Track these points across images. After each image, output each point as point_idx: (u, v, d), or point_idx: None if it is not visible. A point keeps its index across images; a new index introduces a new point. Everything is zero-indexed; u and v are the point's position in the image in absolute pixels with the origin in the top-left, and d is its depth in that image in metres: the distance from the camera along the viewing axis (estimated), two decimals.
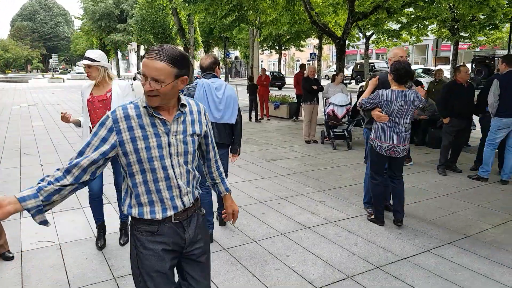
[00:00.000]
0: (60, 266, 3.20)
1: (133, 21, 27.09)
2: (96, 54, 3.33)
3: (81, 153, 1.59)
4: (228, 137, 3.66)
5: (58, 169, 1.58)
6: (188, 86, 3.44)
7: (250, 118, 12.12)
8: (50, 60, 78.32)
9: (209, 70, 3.53)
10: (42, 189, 1.53)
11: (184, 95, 3.22)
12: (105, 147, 1.59)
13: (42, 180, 1.56)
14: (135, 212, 1.69)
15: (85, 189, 3.58)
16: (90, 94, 3.34)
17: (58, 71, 67.99)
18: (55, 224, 4.03)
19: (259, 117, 12.25)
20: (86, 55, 3.33)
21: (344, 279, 2.98)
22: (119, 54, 38.92)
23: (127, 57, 60.93)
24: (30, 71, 77.91)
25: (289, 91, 15.61)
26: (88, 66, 3.27)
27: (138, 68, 36.07)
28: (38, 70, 78.72)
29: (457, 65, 6.10)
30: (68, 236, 3.77)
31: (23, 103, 18.12)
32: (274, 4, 11.18)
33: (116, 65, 39.92)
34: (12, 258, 3.32)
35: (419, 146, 7.97)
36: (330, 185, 5.37)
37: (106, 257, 3.36)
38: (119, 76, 39.25)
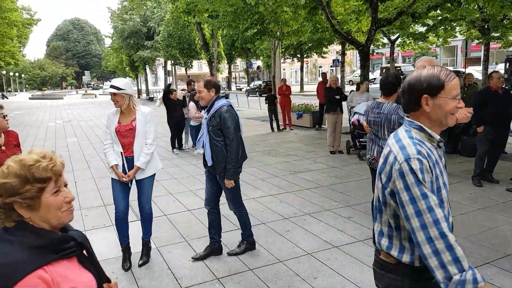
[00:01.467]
0: None
1: (160, 37, 27.87)
2: (121, 82, 3.47)
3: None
4: None
5: None
6: (223, 105, 3.56)
7: (272, 128, 12.13)
8: (83, 77, 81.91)
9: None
10: None
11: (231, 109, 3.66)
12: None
13: None
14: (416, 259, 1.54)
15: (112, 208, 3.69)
16: (118, 123, 3.51)
17: (90, 87, 70.87)
18: None
19: (281, 127, 12.25)
20: (111, 83, 3.48)
21: None
22: (147, 69, 40.00)
23: (155, 72, 62.58)
24: (64, 88, 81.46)
25: (312, 99, 15.49)
26: (114, 94, 3.41)
27: (165, 82, 36.94)
28: (72, 87, 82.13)
29: (489, 72, 5.82)
30: (100, 255, 3.83)
31: (58, 120, 18.92)
32: (296, 16, 11.19)
33: (145, 80, 41.10)
34: None
35: (451, 154, 7.67)
36: (358, 199, 5.25)
37: (136, 276, 3.43)
38: (147, 89, 40.41)
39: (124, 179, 3.50)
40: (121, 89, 3.40)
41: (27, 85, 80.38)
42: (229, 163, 3.47)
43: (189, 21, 22.36)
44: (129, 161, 3.53)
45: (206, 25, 18.64)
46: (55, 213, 1.20)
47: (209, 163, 3.58)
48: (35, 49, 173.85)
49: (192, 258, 3.72)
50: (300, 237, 4.11)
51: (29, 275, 1.08)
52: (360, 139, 7.88)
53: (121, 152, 3.51)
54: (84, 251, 1.29)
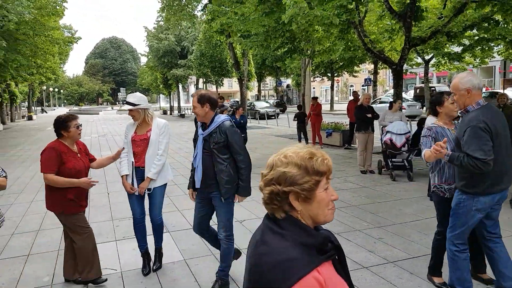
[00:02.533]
0: None
1: (193, 56, 28.78)
2: (135, 98, 3.65)
3: None
4: None
5: None
6: (225, 120, 3.28)
7: None
8: (118, 94, 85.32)
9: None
10: None
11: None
12: None
13: None
14: None
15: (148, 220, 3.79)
16: (134, 133, 3.68)
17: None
18: (118, 253, 4.25)
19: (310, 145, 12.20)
20: (127, 99, 3.68)
21: None
22: (180, 87, 41.20)
23: (187, 90, 64.24)
24: (100, 104, 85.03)
25: (342, 118, 15.37)
26: (130, 110, 3.59)
27: None
28: (108, 103, 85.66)
29: None
30: (130, 265, 3.94)
31: (93, 134, 19.70)
32: (327, 34, 11.25)
33: (177, 97, 42.30)
34: (105, 280, 3.54)
35: None
36: (390, 220, 5.11)
37: (164, 287, 3.46)
38: (179, 106, 41.47)
39: (131, 191, 3.61)
40: (136, 104, 3.57)
41: (65, 101, 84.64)
42: (243, 180, 3.22)
43: (221, 40, 23.03)
44: (139, 172, 3.62)
45: (237, 45, 19.08)
46: (323, 210, 1.18)
47: (197, 185, 3.28)
48: (74, 66, 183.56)
49: None
50: None
51: (307, 276, 1.04)
52: (393, 159, 7.70)
53: (132, 162, 3.63)
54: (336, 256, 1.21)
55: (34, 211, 6.00)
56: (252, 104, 30.15)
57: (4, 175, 2.83)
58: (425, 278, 3.47)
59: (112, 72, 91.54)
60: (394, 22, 10.88)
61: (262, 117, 25.50)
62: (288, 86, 54.32)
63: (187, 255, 4.15)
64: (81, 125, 3.50)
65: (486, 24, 10.62)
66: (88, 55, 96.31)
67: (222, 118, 3.25)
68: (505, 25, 10.97)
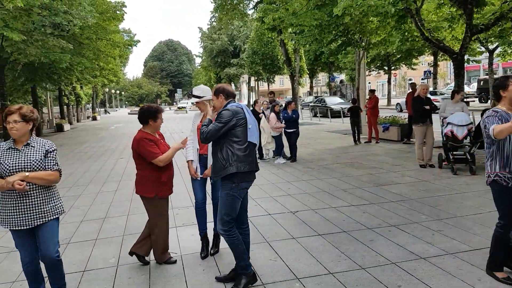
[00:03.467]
0: (181, 276, 3.57)
1: (245, 55, 29.23)
2: (199, 91, 3.90)
3: None
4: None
5: None
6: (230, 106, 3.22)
7: (355, 141, 11.87)
8: (175, 94, 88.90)
9: (233, 98, 3.33)
10: None
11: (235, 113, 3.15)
12: None
13: None
14: None
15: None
16: (200, 122, 3.91)
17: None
18: (178, 238, 4.51)
19: (365, 140, 11.92)
20: (192, 92, 3.93)
21: None
22: (233, 85, 42.06)
23: (239, 89, 65.36)
24: (159, 105, 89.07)
25: (399, 113, 14.76)
26: (197, 102, 3.83)
27: (248, 98, 38.30)
28: (166, 103, 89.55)
29: None
30: (189, 249, 4.17)
31: None
32: (383, 25, 10.89)
33: None
34: (175, 261, 3.88)
35: None
36: (450, 213, 4.89)
37: (220, 270, 3.63)
38: None
39: (194, 176, 3.87)
40: (200, 97, 3.81)
41: (126, 102, 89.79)
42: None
43: (273, 37, 23.12)
44: (203, 158, 3.88)
45: (289, 41, 19.05)
46: None
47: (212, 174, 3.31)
48: (134, 68, 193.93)
49: (215, 278, 3.45)
50: (384, 247, 3.96)
51: None
52: (454, 152, 7.31)
53: (197, 149, 3.88)
54: None
55: (101, 201, 6.51)
56: (322, 100, 26.33)
57: (56, 168, 2.90)
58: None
59: (169, 74, 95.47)
60: (454, 9, 10.27)
61: (335, 115, 21.76)
62: (341, 81, 53.14)
63: None
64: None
65: None
66: (146, 58, 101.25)
67: (229, 105, 3.21)
68: None
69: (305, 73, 30.32)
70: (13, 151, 2.81)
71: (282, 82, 69.00)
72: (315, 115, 24.99)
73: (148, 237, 3.82)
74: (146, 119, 3.66)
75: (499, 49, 19.27)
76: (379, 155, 9.72)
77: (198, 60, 50.94)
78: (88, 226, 5.17)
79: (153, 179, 3.65)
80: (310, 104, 28.82)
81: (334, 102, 25.43)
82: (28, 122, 2.81)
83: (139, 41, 24.78)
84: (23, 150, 2.82)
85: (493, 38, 16.65)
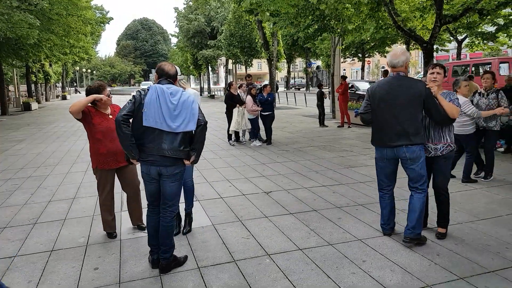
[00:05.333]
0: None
1: (222, 37, 28.74)
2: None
3: None
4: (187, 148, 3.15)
5: None
6: (139, 90, 3.16)
7: (320, 123, 12.43)
8: (150, 75, 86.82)
9: (171, 79, 3.18)
10: None
11: (133, 97, 3.06)
12: None
13: None
14: None
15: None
16: None
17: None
18: None
19: (338, 125, 12.23)
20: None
21: (423, 287, 2.88)
22: (210, 68, 41.46)
23: (217, 71, 64.55)
24: (133, 85, 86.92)
25: None
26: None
27: (226, 81, 37.97)
28: (140, 84, 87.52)
29: None
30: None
31: None
32: (358, 12, 11.01)
33: (207, 78, 42.58)
34: (144, 229, 4.05)
35: (506, 154, 7.22)
36: None
37: (193, 248, 3.69)
38: (209, 87, 41.84)
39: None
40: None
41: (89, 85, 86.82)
42: None
43: (251, 20, 22.87)
44: None
45: (266, 24, 18.91)
46: None
47: None
48: (106, 47, 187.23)
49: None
50: (351, 224, 4.15)
51: None
52: None
53: None
54: None
55: (70, 181, 6.38)
56: (352, 86, 20.61)
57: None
58: (446, 245, 3.54)
59: (144, 53, 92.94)
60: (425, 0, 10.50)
61: None
62: (318, 67, 53.49)
63: (215, 221, 4.37)
64: (110, 94, 3.90)
65: None
66: (119, 37, 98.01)
67: (156, 84, 3.13)
68: None
69: (283, 58, 30.27)
70: None
71: (260, 66, 68.69)
72: None
73: (130, 206, 4.16)
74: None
75: (467, 40, 19.90)
76: (351, 138, 9.99)
77: (174, 40, 49.80)
78: (57, 206, 5.09)
79: (93, 151, 3.85)
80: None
81: (366, 87, 21.97)
82: None
83: (112, 19, 24.04)
84: None
85: (462, 29, 17.16)
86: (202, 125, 3.11)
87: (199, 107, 3.18)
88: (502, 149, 7.78)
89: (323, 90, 12.62)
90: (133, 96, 3.10)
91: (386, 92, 3.52)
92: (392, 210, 3.83)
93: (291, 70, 47.74)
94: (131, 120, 3.07)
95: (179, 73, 3.83)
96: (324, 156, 7.84)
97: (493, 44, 18.74)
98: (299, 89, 47.16)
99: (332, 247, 3.61)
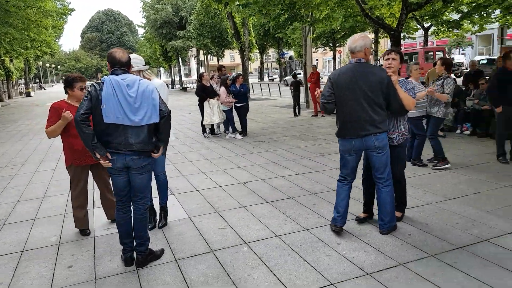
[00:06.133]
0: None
1: (192, 27, 28.22)
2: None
3: None
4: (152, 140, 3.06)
5: None
6: (93, 84, 2.98)
7: (294, 113, 12.59)
8: None
9: (125, 67, 3.03)
10: None
11: (88, 93, 2.90)
12: None
13: None
14: None
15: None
16: None
17: None
18: None
19: (312, 114, 12.37)
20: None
21: (396, 266, 2.99)
22: (180, 60, 40.70)
23: (188, 64, 63.52)
24: (100, 79, 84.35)
25: None
26: None
27: (197, 73, 37.44)
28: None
29: (504, 52, 5.78)
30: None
31: None
32: (326, 0, 11.11)
33: (178, 70, 41.81)
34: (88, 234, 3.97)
35: (483, 138, 7.56)
36: None
37: (169, 241, 3.66)
38: (181, 80, 41.14)
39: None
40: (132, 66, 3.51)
41: (63, 77, 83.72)
42: None
43: (220, 9, 22.60)
44: None
45: (237, 14, 18.74)
46: None
47: None
48: (70, 40, 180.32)
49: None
50: (326, 209, 4.23)
51: None
52: None
53: None
54: None
55: (38, 180, 6.17)
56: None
57: None
58: (416, 225, 3.68)
59: (110, 46, 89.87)
60: None
61: None
62: (290, 57, 53.67)
63: (191, 214, 4.35)
64: (86, 87, 3.70)
65: None
66: (84, 29, 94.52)
67: (110, 76, 3.00)
68: None
69: (255, 48, 30.19)
70: None
71: (232, 57, 68.16)
72: None
73: (104, 201, 4.08)
74: (65, 89, 3.77)
75: (433, 28, 20.51)
76: (324, 127, 10.14)
77: (141, 31, 48.57)
78: (26, 206, 4.92)
79: (68, 148, 3.76)
80: None
81: None
82: None
83: (74, 10, 23.07)
84: None
85: (427, 17, 17.64)
86: (166, 116, 3.00)
87: (159, 96, 3.02)
88: (468, 132, 8.11)
89: (298, 80, 12.70)
90: (88, 91, 2.92)
91: (350, 80, 3.35)
92: (348, 203, 3.64)
93: (264, 61, 47.69)
94: (91, 118, 2.93)
95: (143, 63, 3.73)
96: (299, 145, 7.92)
97: (458, 31, 19.38)
98: (273, 79, 47.44)
99: (308, 232, 3.68)
